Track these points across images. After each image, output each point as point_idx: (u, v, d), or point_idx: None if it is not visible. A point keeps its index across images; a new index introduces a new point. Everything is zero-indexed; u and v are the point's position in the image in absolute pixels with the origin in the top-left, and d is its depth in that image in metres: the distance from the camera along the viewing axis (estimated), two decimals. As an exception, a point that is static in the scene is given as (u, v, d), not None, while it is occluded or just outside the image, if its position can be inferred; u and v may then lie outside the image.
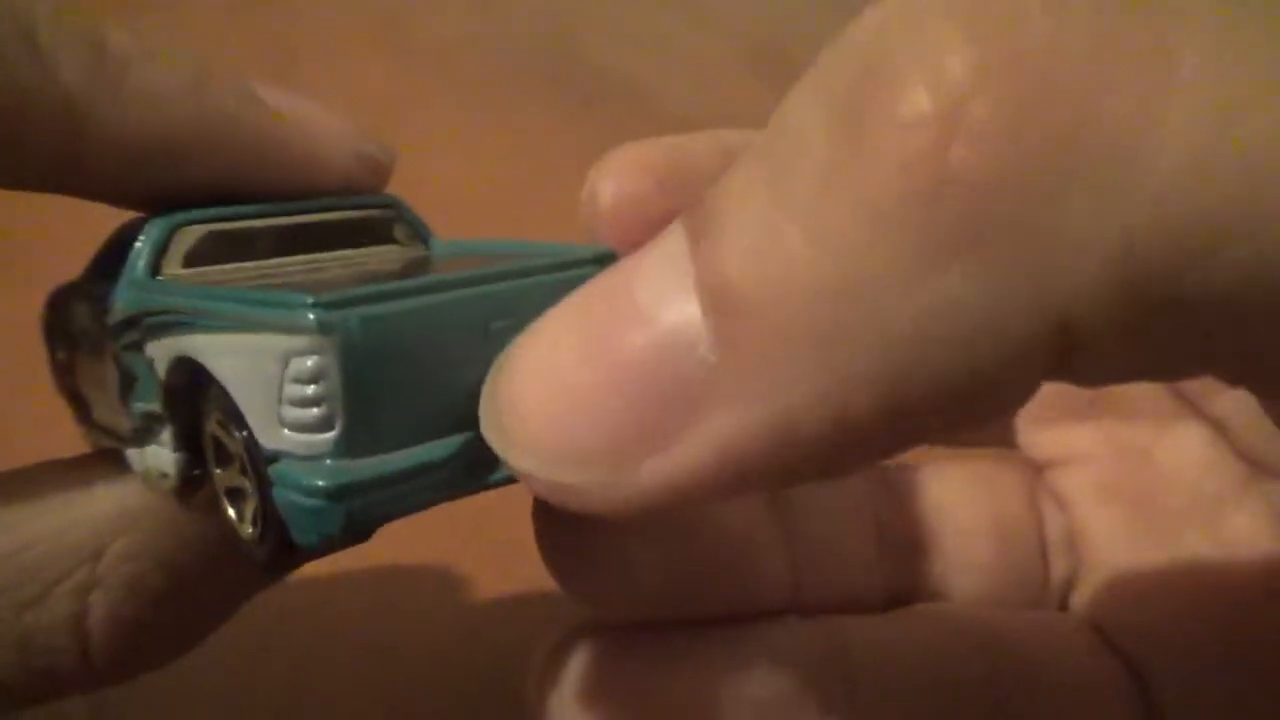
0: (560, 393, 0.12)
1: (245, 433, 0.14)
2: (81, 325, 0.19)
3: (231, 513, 0.16)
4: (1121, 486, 0.22)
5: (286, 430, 0.14)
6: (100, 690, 0.17)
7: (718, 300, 0.11)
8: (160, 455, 0.17)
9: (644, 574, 0.17)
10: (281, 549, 0.15)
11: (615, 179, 0.18)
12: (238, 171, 0.17)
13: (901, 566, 0.21)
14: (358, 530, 0.14)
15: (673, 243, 0.12)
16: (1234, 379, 0.12)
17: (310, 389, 0.13)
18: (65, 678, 0.16)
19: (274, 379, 0.14)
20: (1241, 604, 0.19)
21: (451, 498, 0.14)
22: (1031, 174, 0.10)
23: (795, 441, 0.11)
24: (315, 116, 0.18)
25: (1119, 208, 0.10)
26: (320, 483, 0.13)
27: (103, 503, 0.16)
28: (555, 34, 0.54)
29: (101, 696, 0.17)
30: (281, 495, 0.14)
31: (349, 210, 0.19)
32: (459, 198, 0.37)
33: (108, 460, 0.18)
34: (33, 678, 0.16)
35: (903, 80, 0.10)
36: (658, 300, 0.12)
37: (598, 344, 0.12)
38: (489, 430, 0.13)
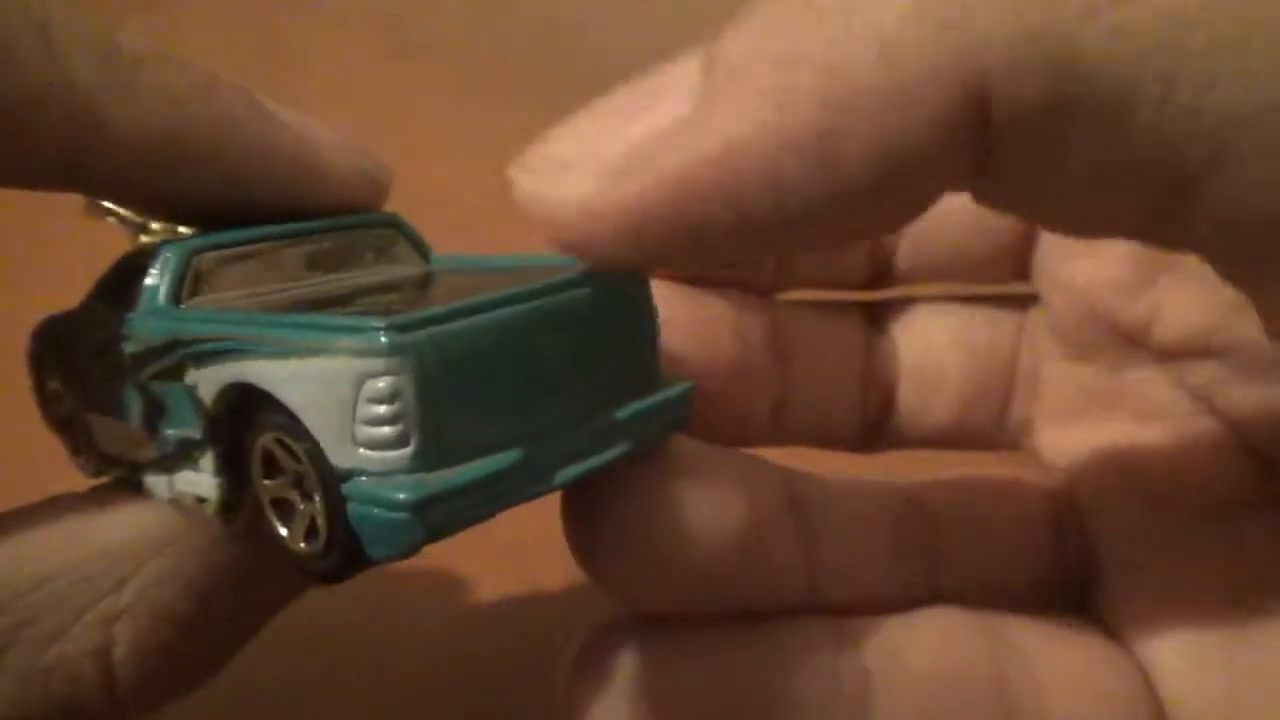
0: (580, 128, 0.15)
1: (312, 452, 0.15)
2: (85, 355, 0.19)
3: (283, 530, 0.16)
4: (1137, 487, 0.22)
5: (361, 449, 0.14)
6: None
7: (711, 53, 0.14)
8: (197, 480, 0.17)
9: (669, 555, 0.18)
10: (348, 562, 0.15)
11: None
12: (243, 176, 0.17)
13: (917, 568, 0.21)
14: (433, 540, 0.14)
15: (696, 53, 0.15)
16: (1155, 213, 0.13)
17: (384, 408, 0.14)
18: (90, 710, 0.16)
19: (347, 401, 0.14)
20: (1251, 606, 0.19)
21: (517, 503, 0.15)
22: None
23: (741, 153, 0.13)
24: (316, 130, 0.18)
25: None
26: (402, 496, 0.14)
27: (123, 533, 0.16)
28: (555, 34, 0.54)
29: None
30: (359, 511, 0.14)
31: (353, 229, 0.19)
32: (458, 197, 0.37)
33: (124, 490, 0.18)
34: (57, 710, 0.16)
35: None
36: (677, 70, 0.14)
37: (623, 97, 0.15)
38: (515, 166, 0.15)
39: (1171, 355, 0.21)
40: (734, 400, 0.22)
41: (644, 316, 0.18)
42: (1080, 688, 0.19)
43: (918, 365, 0.24)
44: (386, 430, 0.14)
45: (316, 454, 0.15)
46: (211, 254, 0.18)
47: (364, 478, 0.14)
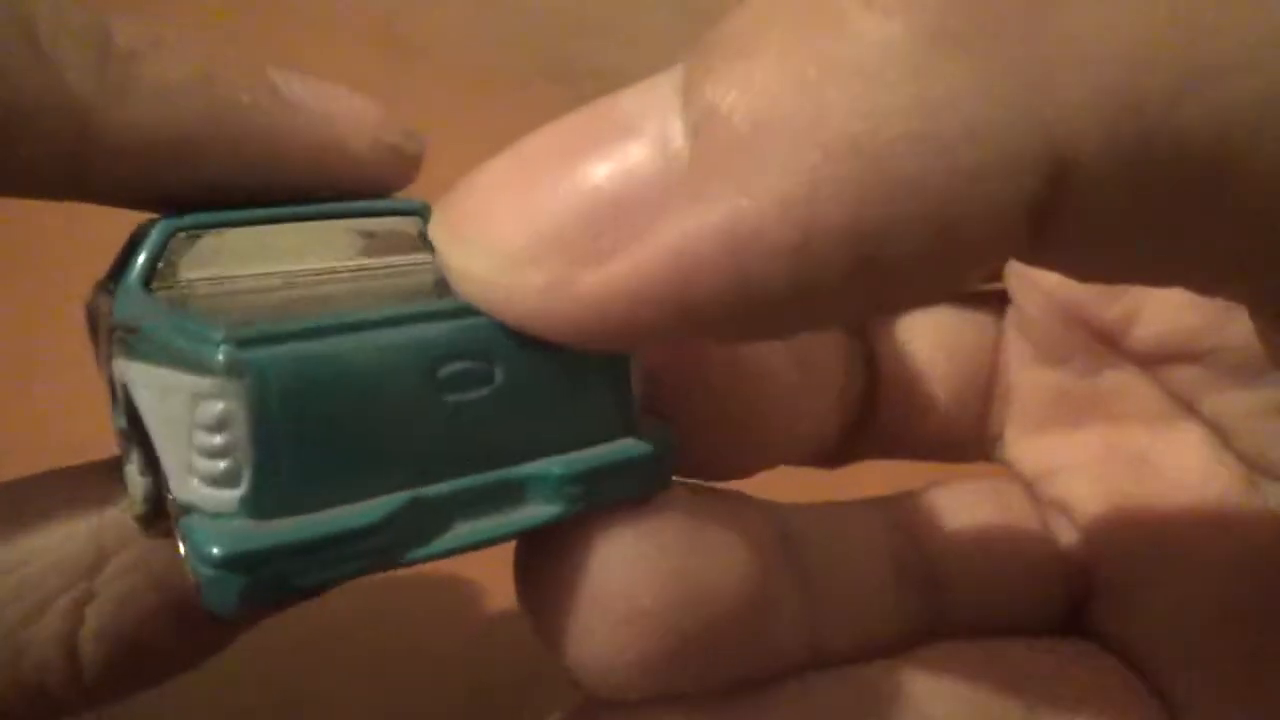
0: (517, 186, 0.12)
1: (160, 479, 0.13)
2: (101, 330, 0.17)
3: (183, 550, 0.14)
4: (1123, 493, 0.21)
5: (195, 480, 0.12)
6: (95, 709, 0.16)
7: (699, 101, 0.11)
8: (131, 477, 0.15)
9: (647, 632, 0.15)
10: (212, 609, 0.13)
11: None
12: (254, 167, 0.16)
13: (921, 601, 0.20)
14: (262, 603, 0.12)
15: (670, 74, 0.12)
16: (1230, 273, 0.12)
17: (217, 438, 0.12)
18: (58, 696, 0.15)
19: (183, 421, 0.12)
20: (1261, 615, 0.19)
21: (383, 568, 0.13)
22: None
23: (756, 249, 0.11)
24: (338, 103, 0.17)
25: (1123, 15, 0.09)
26: (215, 550, 0.12)
27: (105, 513, 0.16)
28: (554, 33, 0.53)
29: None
30: (188, 556, 0.12)
31: (373, 216, 0.17)
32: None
33: (114, 470, 0.17)
34: (26, 696, 0.15)
35: None
36: (642, 110, 0.11)
37: (568, 143, 0.12)
38: (434, 225, 0.12)
39: (1152, 358, 0.21)
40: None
41: (610, 353, 0.14)
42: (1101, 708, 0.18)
43: (896, 372, 0.22)
44: (217, 464, 0.12)
45: (163, 481, 0.13)
46: (204, 233, 0.16)
47: (199, 516, 0.12)
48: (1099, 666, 0.20)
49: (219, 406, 0.12)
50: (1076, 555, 0.21)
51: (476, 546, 0.13)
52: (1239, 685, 0.18)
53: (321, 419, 0.12)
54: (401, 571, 0.32)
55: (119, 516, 0.16)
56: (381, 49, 0.50)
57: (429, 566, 0.32)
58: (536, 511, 0.14)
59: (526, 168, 0.12)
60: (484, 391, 0.13)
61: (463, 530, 0.13)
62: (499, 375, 0.13)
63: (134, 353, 0.14)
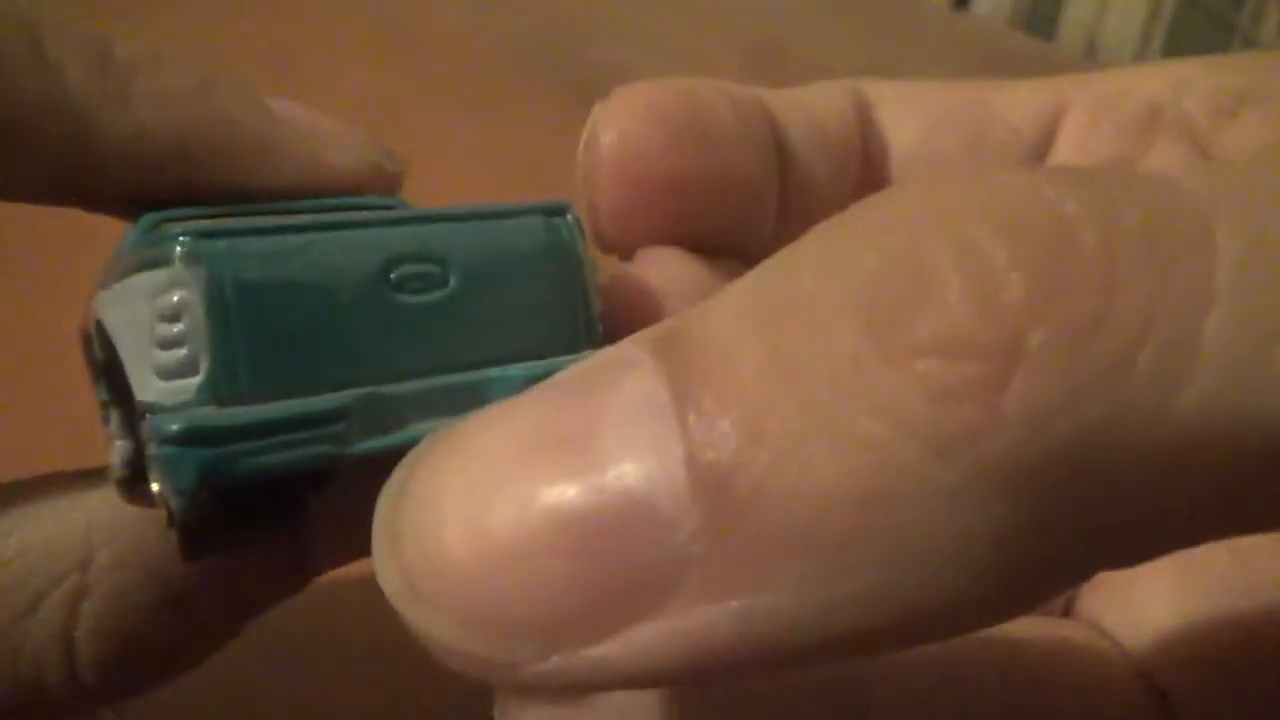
0: (493, 545, 0.10)
1: (139, 440, 0.13)
2: None
3: (152, 471, 0.13)
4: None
5: (155, 378, 0.13)
6: (95, 708, 0.16)
7: (714, 490, 0.10)
8: (111, 442, 0.15)
9: None
10: (178, 528, 0.13)
11: (621, 123, 0.17)
12: (246, 176, 0.17)
13: None
14: (219, 485, 0.12)
15: (648, 388, 0.10)
16: None
17: (175, 327, 0.12)
18: (55, 694, 0.15)
19: (146, 320, 0.13)
20: (1263, 610, 0.19)
21: (339, 459, 0.13)
22: (1085, 404, 0.10)
23: (783, 646, 0.10)
24: (323, 123, 0.18)
25: (1164, 422, 0.10)
26: (173, 427, 0.12)
27: (94, 507, 0.16)
28: (554, 33, 0.54)
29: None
30: (149, 454, 0.12)
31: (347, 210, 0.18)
32: (457, 197, 0.37)
33: (105, 474, 0.17)
34: (23, 693, 0.15)
35: (948, 303, 0.10)
36: (627, 457, 0.10)
37: (548, 492, 0.10)
38: (383, 569, 0.11)
39: None
40: None
41: (567, 264, 0.15)
42: (1090, 701, 0.19)
43: None
44: (176, 354, 0.12)
45: (130, 391, 0.13)
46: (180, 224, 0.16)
47: (160, 415, 0.12)
48: (1091, 651, 0.20)
49: (177, 295, 0.12)
50: None
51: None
52: (1239, 686, 0.18)
53: (275, 310, 0.13)
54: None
55: (111, 512, 0.16)
56: (383, 51, 0.50)
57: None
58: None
59: (493, 510, 0.10)
60: (438, 295, 0.14)
61: (421, 427, 0.13)
62: (453, 280, 0.14)
63: (105, 283, 0.14)
